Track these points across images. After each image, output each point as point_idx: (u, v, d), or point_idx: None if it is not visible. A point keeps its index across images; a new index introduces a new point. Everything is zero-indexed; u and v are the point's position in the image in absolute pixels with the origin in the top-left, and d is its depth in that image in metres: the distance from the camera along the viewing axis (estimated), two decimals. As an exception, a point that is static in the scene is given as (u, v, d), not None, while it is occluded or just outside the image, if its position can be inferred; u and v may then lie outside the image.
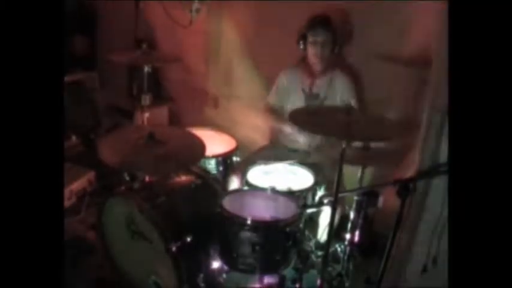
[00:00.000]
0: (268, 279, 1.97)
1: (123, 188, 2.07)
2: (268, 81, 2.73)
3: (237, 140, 2.63)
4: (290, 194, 2.06)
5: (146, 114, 2.63)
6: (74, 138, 3.52)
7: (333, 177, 1.70)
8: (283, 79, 2.56)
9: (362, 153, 2.10)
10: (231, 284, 2.02)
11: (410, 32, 2.37)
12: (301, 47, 2.46)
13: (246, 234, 1.81)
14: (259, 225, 1.83)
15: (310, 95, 2.51)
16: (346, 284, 2.19)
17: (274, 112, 2.58)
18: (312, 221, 2.21)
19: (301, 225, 1.94)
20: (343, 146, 1.70)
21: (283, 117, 2.44)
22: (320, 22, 2.39)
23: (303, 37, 2.43)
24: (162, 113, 3.64)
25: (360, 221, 2.17)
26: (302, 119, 1.89)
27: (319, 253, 2.19)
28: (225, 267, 1.96)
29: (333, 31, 2.40)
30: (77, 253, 2.36)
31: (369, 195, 2.08)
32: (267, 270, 1.91)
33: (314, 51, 2.42)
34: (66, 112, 3.19)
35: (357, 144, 2.09)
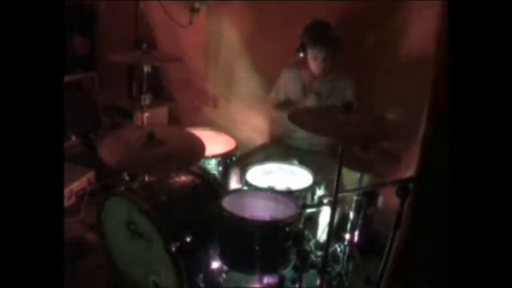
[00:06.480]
0: (268, 279, 1.97)
1: (123, 188, 2.07)
2: (268, 81, 2.74)
3: (237, 140, 2.63)
4: (289, 193, 2.06)
5: (146, 114, 2.63)
6: (74, 138, 3.52)
7: (332, 177, 1.70)
8: (286, 77, 2.56)
9: (361, 157, 2.10)
10: (231, 284, 2.02)
11: (410, 32, 2.37)
12: (301, 55, 2.42)
13: (245, 235, 1.81)
14: (259, 225, 1.83)
15: (312, 94, 2.50)
16: (346, 284, 2.19)
17: (280, 106, 2.57)
18: (312, 221, 2.20)
19: (300, 225, 1.94)
20: (343, 146, 1.70)
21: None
22: (321, 37, 2.31)
23: (303, 47, 2.38)
24: (162, 113, 3.64)
25: (360, 221, 2.17)
26: (302, 118, 1.89)
27: (319, 253, 2.19)
28: (225, 267, 1.96)
29: (334, 41, 2.33)
30: (77, 253, 2.36)
31: (369, 195, 2.08)
32: (266, 270, 1.91)
33: (315, 65, 2.39)
34: (66, 112, 3.19)
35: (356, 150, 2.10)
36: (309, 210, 2.00)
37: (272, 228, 1.85)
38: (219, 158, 2.44)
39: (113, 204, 2.05)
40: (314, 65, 2.41)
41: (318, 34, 2.34)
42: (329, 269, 2.21)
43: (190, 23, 3.12)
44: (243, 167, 2.25)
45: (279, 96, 2.59)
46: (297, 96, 2.51)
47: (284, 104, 2.55)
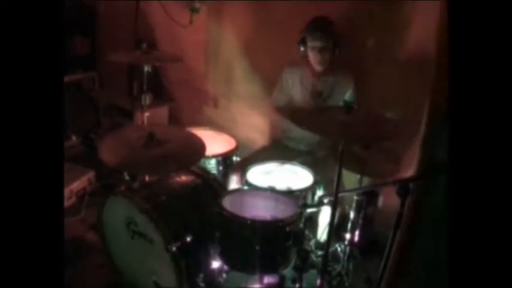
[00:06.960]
0: (268, 279, 1.97)
1: (123, 188, 2.07)
2: (268, 81, 2.74)
3: (237, 140, 2.63)
4: (290, 193, 2.06)
5: (146, 114, 2.63)
6: (74, 138, 3.53)
7: (333, 177, 1.70)
8: (287, 76, 2.56)
9: (362, 157, 2.09)
10: (231, 284, 2.02)
11: (410, 32, 2.37)
12: (302, 49, 2.45)
13: (246, 234, 1.81)
14: (259, 225, 1.83)
15: (313, 93, 2.51)
16: (346, 284, 2.19)
17: (281, 109, 2.58)
18: (312, 221, 2.21)
19: (301, 225, 1.93)
20: (343, 145, 1.70)
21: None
22: (319, 27, 2.36)
23: (303, 41, 2.42)
24: (162, 112, 3.65)
25: (360, 220, 2.17)
26: (302, 118, 1.89)
27: (319, 253, 2.19)
28: (225, 267, 1.96)
29: (333, 35, 2.37)
30: (77, 253, 2.36)
31: (369, 195, 2.08)
32: (267, 270, 1.90)
33: (314, 56, 2.41)
34: (66, 112, 3.20)
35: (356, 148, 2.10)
36: (309, 210, 2.00)
37: (272, 228, 1.85)
38: (219, 158, 2.44)
39: (113, 204, 2.05)
40: (314, 58, 2.42)
41: (318, 26, 2.37)
42: (329, 268, 2.21)
43: (191, 23, 3.12)
44: (244, 172, 2.25)
45: (282, 96, 2.59)
46: (300, 96, 2.51)
47: (286, 108, 2.54)
